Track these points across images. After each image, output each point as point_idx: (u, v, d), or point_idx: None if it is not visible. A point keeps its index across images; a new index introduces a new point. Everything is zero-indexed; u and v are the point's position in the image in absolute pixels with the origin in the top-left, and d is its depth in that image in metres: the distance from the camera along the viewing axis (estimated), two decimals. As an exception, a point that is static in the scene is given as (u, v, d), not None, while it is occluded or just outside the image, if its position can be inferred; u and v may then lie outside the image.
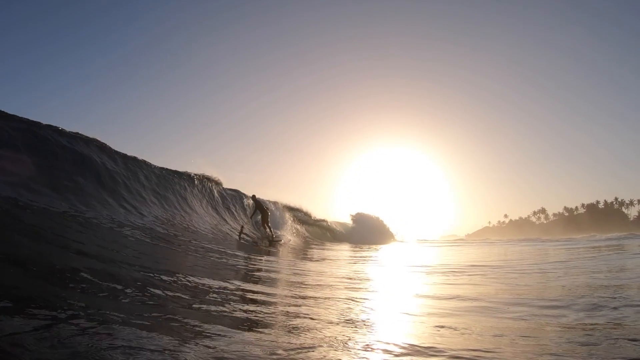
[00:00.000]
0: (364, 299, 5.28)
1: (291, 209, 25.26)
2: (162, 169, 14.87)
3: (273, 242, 15.39)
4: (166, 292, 4.35)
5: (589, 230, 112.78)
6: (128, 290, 4.06)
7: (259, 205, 16.30)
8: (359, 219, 35.46)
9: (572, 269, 8.60)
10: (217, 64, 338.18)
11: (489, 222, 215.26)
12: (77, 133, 11.12)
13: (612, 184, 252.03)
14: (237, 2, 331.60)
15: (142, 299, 3.95)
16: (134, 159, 13.22)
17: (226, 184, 19.85)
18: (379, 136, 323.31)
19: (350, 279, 7.61)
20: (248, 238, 14.91)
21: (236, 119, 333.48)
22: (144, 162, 13.73)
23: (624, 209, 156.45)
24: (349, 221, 35.09)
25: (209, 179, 18.22)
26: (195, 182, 16.89)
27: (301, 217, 26.28)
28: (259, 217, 16.58)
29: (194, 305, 4.06)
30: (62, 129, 10.60)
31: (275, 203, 23.42)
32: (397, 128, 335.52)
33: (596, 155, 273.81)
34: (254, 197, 16.73)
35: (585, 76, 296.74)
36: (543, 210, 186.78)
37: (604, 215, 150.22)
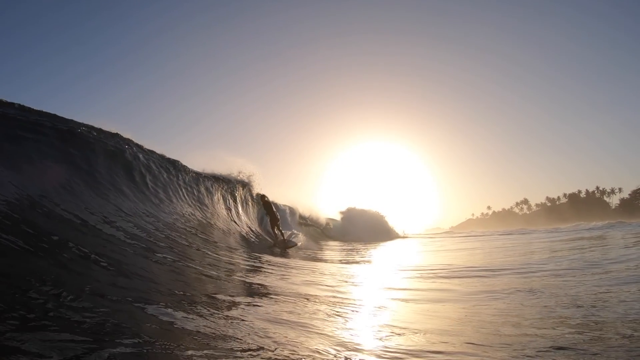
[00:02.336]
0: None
1: (301, 216, 25.50)
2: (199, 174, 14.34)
3: (286, 247, 14.04)
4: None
5: (571, 220, 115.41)
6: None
7: (268, 208, 14.94)
8: (351, 214, 33.88)
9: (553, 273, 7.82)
10: (203, 62, 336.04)
11: (473, 214, 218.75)
12: (117, 133, 10.53)
13: (593, 173, 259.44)
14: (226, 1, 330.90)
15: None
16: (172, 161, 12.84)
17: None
18: (362, 132, 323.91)
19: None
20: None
21: (221, 117, 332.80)
22: (181, 164, 13.31)
23: (605, 198, 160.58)
24: (338, 217, 33.82)
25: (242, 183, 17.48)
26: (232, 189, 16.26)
27: (308, 222, 26.65)
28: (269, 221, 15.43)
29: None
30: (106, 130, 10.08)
31: (291, 208, 23.12)
32: (380, 123, 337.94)
33: (577, 145, 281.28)
34: (263, 197, 15.36)
35: (565, 67, 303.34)
36: (525, 201, 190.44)
37: (585, 204, 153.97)
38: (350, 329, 3.77)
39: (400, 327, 3.74)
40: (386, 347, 3.13)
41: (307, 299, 5.17)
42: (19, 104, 8.23)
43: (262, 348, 2.91)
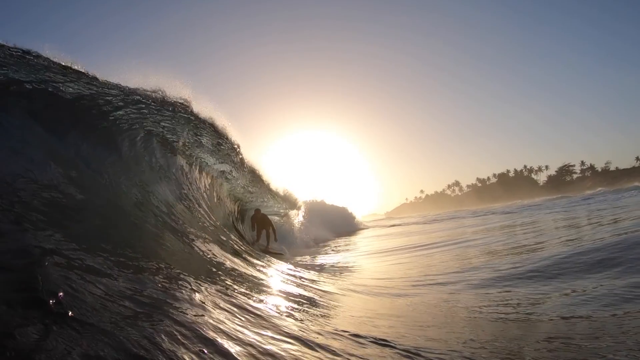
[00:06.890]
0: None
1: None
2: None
3: (268, 252, 13.46)
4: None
5: (501, 199, 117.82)
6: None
7: (259, 219, 14.88)
8: (316, 210, 29.77)
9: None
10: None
11: (407, 199, 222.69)
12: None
13: (520, 153, 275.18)
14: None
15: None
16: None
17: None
18: (294, 122, 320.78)
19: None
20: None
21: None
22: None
23: (533, 175, 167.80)
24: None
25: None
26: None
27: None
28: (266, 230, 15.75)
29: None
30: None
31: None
32: (311, 112, 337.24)
33: (504, 127, 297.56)
34: (258, 211, 15.30)
35: (491, 53, 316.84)
36: (457, 183, 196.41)
37: (514, 183, 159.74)
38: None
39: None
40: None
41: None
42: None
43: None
